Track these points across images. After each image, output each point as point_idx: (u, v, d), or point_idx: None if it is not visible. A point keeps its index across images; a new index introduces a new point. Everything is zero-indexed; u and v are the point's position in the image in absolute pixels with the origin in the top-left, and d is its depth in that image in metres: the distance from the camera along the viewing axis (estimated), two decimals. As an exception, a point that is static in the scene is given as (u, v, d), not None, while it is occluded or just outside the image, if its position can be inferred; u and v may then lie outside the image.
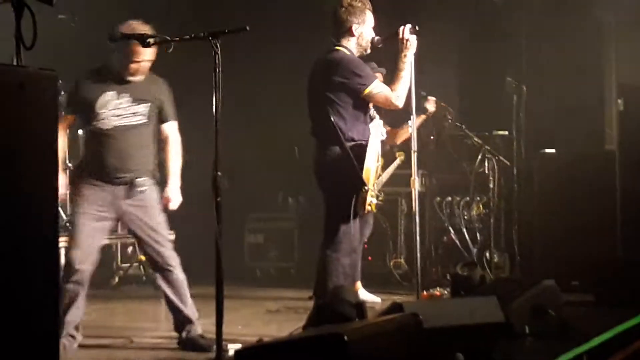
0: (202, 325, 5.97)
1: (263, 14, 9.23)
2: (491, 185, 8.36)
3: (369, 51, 6.11)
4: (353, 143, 5.78)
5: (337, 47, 5.95)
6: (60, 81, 3.35)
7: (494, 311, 5.08)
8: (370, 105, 6.01)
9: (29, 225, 3.08)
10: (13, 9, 3.25)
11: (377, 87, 5.85)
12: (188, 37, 4.71)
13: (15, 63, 3.22)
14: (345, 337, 3.55)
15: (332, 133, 5.75)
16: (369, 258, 8.78)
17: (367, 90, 5.80)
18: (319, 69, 5.92)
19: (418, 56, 6.09)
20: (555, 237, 8.30)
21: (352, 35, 5.95)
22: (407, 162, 6.49)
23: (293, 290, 8.26)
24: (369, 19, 6.03)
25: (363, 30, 5.99)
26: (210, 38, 4.49)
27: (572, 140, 8.68)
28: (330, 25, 6.02)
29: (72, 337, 5.47)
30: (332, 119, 5.76)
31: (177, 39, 4.84)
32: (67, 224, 8.25)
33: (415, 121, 6.13)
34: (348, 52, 5.93)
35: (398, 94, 5.87)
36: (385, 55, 6.38)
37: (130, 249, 9.01)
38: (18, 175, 3.05)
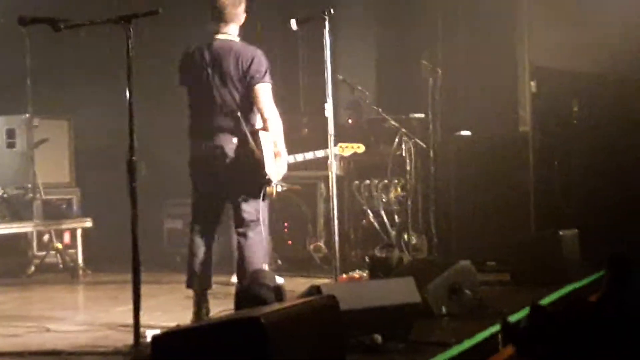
0: (121, 312, 5.92)
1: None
2: (408, 168, 8.42)
3: None
4: (252, 130, 5.85)
5: (228, 36, 5.95)
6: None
7: (411, 292, 5.14)
8: None
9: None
10: None
11: (267, 88, 5.86)
12: (100, 21, 4.64)
13: None
14: (262, 320, 3.55)
15: (237, 122, 5.79)
16: (289, 242, 8.80)
17: (259, 84, 5.82)
18: (224, 58, 5.86)
19: (334, 40, 6.11)
20: (471, 218, 8.44)
21: (241, 23, 5.99)
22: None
23: (213, 275, 8.22)
24: None
25: None
26: (122, 21, 4.44)
27: (486, 122, 8.80)
28: (220, 14, 5.93)
29: None
30: (239, 108, 5.80)
31: (89, 22, 4.76)
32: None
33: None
34: (239, 40, 5.97)
35: (275, 117, 5.88)
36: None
37: (46, 237, 8.88)
38: None
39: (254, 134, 5.81)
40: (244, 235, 5.91)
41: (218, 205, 6.09)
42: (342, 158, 8.37)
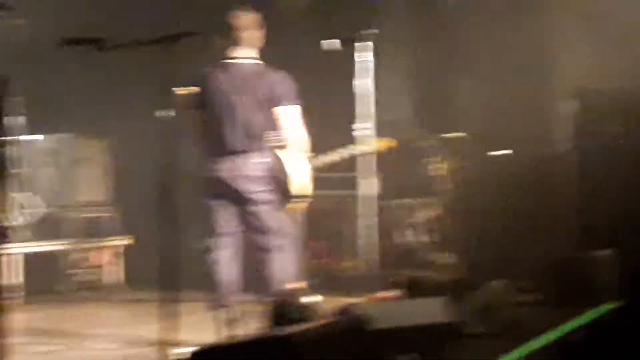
0: (157, 330, 5.96)
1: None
2: (444, 187, 8.42)
3: None
4: (279, 149, 5.95)
5: (250, 60, 6.02)
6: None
7: (443, 312, 5.14)
8: None
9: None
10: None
11: (295, 109, 5.95)
12: (143, 41, 4.71)
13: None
14: (293, 339, 3.58)
15: (265, 142, 5.88)
16: (323, 260, 8.81)
17: (287, 106, 5.91)
18: (251, 82, 5.94)
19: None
20: (507, 237, 8.39)
21: (260, 46, 6.08)
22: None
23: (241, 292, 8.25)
24: None
25: None
26: (164, 42, 4.51)
27: (526, 142, 8.76)
28: (241, 37, 5.99)
29: None
30: (268, 129, 5.89)
31: (134, 42, 4.83)
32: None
33: None
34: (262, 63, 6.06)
35: (303, 138, 5.98)
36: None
37: (85, 255, 8.96)
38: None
39: (281, 153, 5.88)
40: (272, 247, 5.97)
41: (238, 223, 6.14)
42: (376, 175, 8.37)
